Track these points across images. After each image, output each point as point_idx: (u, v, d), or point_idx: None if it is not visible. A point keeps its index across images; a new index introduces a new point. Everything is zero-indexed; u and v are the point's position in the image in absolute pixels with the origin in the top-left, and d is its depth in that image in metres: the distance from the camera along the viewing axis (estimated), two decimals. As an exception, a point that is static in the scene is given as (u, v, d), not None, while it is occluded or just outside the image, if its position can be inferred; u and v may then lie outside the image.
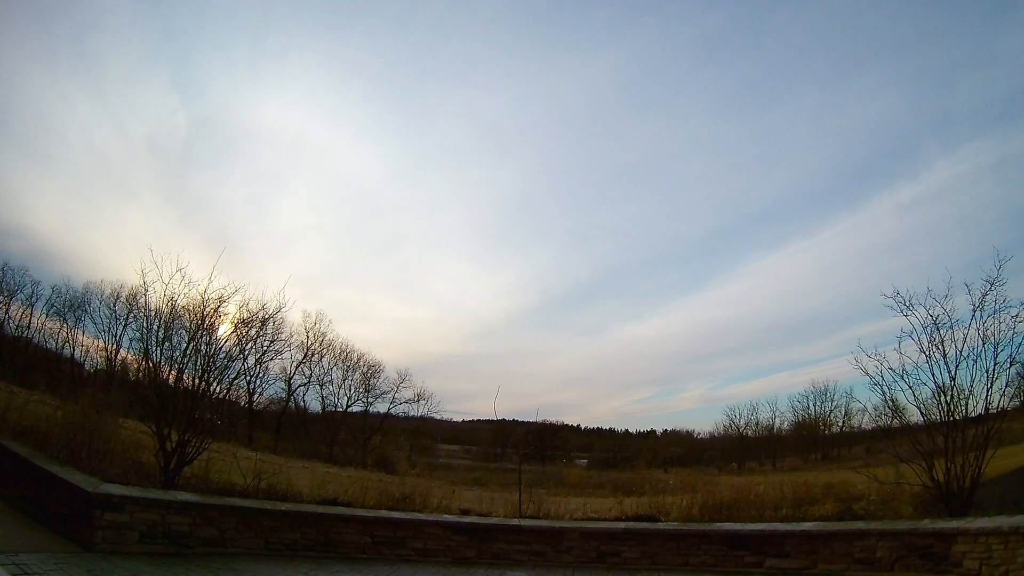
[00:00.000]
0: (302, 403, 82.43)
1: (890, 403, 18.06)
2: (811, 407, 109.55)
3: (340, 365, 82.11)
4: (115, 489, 14.07)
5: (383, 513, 17.47)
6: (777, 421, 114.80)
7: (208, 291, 18.75)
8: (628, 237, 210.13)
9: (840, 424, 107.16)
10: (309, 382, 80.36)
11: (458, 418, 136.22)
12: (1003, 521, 13.12)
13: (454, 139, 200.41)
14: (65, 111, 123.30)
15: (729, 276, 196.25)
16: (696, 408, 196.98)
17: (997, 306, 16.23)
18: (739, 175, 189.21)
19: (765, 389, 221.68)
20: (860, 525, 15.32)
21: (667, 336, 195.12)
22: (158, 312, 18.90)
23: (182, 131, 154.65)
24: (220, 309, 19.08)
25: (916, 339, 17.08)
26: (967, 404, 16.40)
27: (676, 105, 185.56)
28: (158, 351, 18.63)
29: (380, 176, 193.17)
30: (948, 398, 16.44)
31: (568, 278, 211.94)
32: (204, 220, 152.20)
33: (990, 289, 16.26)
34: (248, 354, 20.38)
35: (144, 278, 18.67)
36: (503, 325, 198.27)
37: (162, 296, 18.53)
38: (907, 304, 17.16)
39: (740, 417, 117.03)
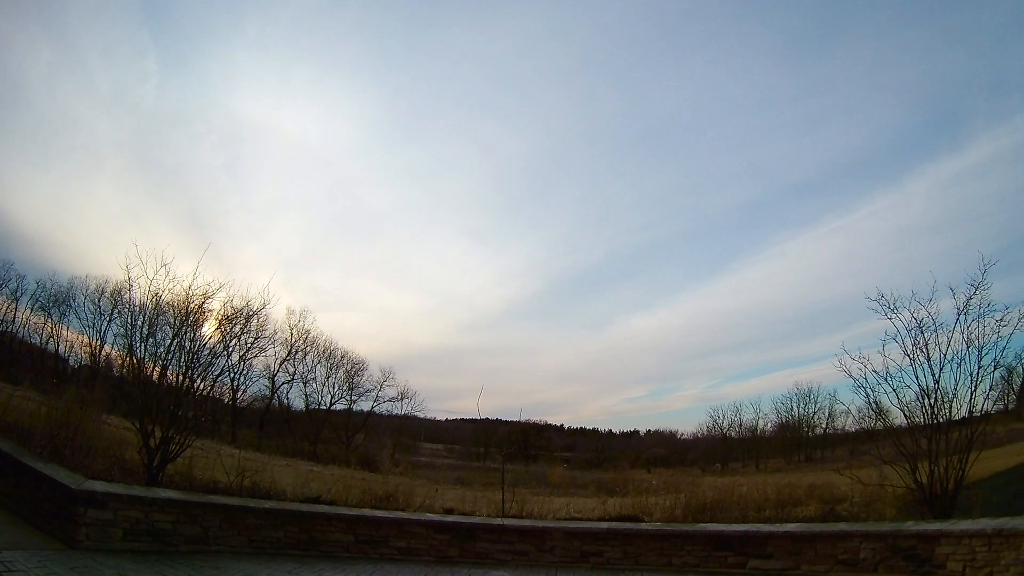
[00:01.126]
0: (286, 401, 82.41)
1: (874, 405, 18.12)
2: (794, 409, 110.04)
3: (324, 363, 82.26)
4: (99, 486, 14.01)
5: (366, 512, 17.47)
6: (760, 422, 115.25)
7: (193, 287, 18.71)
8: (649, 212, 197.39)
9: (823, 426, 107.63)
10: (293, 380, 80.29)
11: (442, 417, 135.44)
12: (987, 523, 13.21)
13: (455, 90, 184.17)
14: (30, 58, 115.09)
15: (750, 260, 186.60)
16: (690, 408, 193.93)
17: (982, 310, 16.27)
18: (782, 136, 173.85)
19: (765, 388, 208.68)
20: (843, 526, 15.41)
21: (672, 329, 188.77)
22: (142, 308, 18.82)
23: (153, 77, 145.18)
24: (204, 305, 19.07)
25: (900, 342, 17.14)
26: (951, 407, 16.45)
27: (720, 50, 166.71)
28: (142, 347, 18.56)
29: (371, 136, 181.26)
30: (932, 401, 16.50)
31: (578, 261, 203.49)
32: (177, 191, 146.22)
33: (975, 293, 16.31)
34: (232, 351, 20.26)
35: (128, 273, 18.64)
36: (499, 316, 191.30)
37: (147, 292, 18.50)
38: (891, 307, 17.22)
39: (724, 418, 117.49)
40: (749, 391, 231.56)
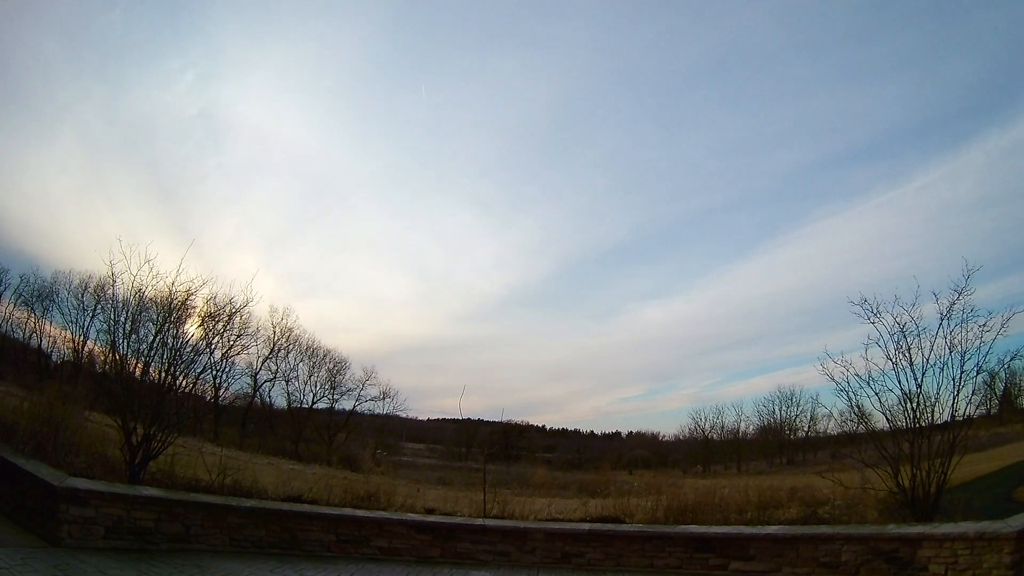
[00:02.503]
0: (268, 399, 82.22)
1: (856, 409, 18.28)
2: (776, 411, 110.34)
3: (306, 361, 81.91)
4: (81, 483, 14.00)
5: (348, 511, 17.51)
6: (742, 425, 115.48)
7: (176, 284, 18.70)
8: (686, 178, 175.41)
9: (806, 429, 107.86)
10: (275, 378, 79.81)
11: (424, 416, 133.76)
12: (969, 527, 13.36)
13: (458, 22, 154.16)
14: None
15: (785, 239, 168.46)
16: (683, 409, 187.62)
17: (965, 315, 16.36)
18: (866, 81, 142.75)
19: (764, 387, 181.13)
20: (825, 529, 15.58)
21: (685, 320, 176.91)
22: (125, 304, 18.85)
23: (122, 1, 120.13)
24: (188, 302, 19.17)
25: (883, 346, 17.25)
26: (933, 411, 16.63)
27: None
28: (125, 343, 18.56)
29: (359, 83, 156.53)
30: (914, 405, 16.69)
31: (597, 239, 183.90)
32: (148, 144, 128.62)
33: (958, 298, 16.41)
34: (214, 348, 20.23)
35: (112, 269, 18.63)
36: (498, 304, 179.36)
37: (130, 287, 18.54)
38: (874, 311, 17.32)
39: (705, 420, 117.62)
40: (747, 391, 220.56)
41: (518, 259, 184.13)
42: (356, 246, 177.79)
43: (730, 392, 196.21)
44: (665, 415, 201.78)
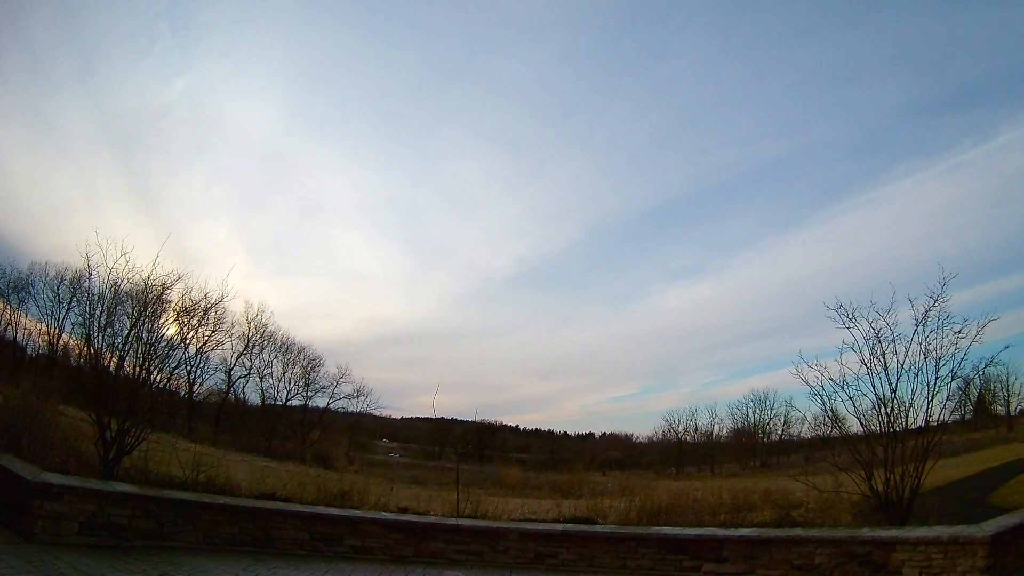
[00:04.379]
0: (242, 395, 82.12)
1: (830, 413, 18.41)
2: (750, 414, 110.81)
3: (280, 357, 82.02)
4: (54, 478, 13.96)
5: (321, 509, 17.47)
6: (716, 428, 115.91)
7: (152, 277, 18.66)
8: (764, 116, 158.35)
9: (779, 432, 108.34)
10: (249, 374, 79.97)
11: (397, 415, 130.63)
12: (943, 531, 13.52)
13: None
14: None
15: (848, 204, 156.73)
16: (676, 408, 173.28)
17: (940, 322, 16.46)
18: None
19: (764, 387, 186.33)
20: (799, 532, 15.61)
21: (708, 307, 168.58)
22: (101, 297, 18.76)
23: None
24: (163, 296, 19.06)
25: (858, 351, 17.40)
26: (907, 416, 16.80)
27: None
28: (100, 337, 18.47)
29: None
30: (888, 410, 16.88)
31: (638, 197, 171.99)
32: (113, 85, 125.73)
33: (933, 305, 16.52)
34: (189, 343, 20.14)
35: (88, 261, 18.57)
36: (504, 284, 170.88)
37: (106, 280, 18.46)
38: (850, 317, 17.43)
39: (679, 422, 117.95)
40: (747, 390, 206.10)
41: (538, 224, 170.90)
42: (335, 206, 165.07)
43: (730, 392, 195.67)
44: (654, 416, 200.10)
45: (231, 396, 79.18)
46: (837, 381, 17.68)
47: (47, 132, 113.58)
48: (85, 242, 18.42)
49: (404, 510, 19.65)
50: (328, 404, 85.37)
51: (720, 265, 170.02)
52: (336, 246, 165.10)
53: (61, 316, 63.58)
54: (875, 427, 17.10)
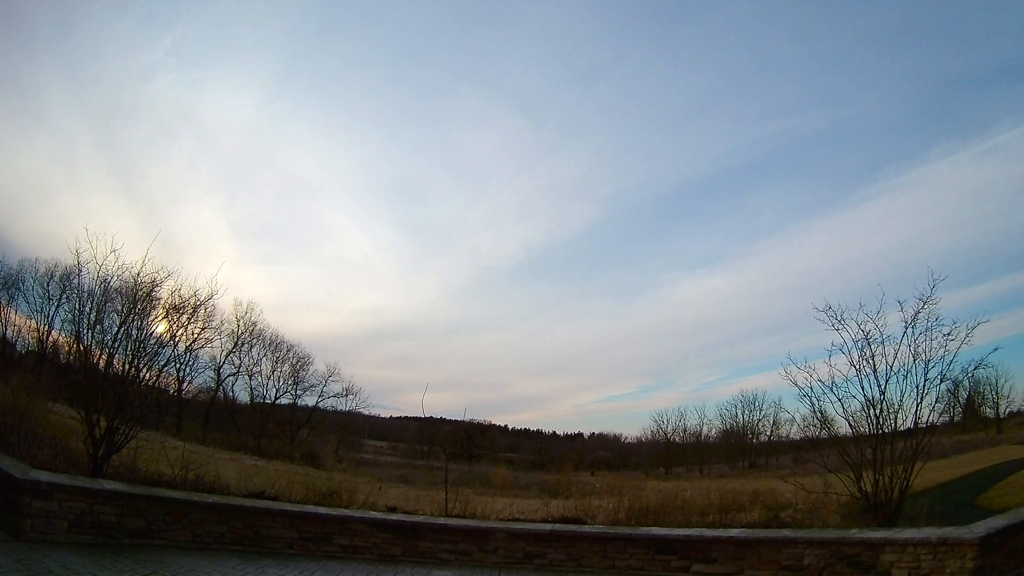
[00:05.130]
0: (231, 393, 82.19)
1: (819, 414, 18.48)
2: (739, 415, 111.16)
3: (270, 355, 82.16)
4: (43, 476, 13.91)
5: (310, 508, 17.43)
6: (705, 428, 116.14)
7: (141, 274, 18.68)
8: (805, 83, 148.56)
9: (768, 433, 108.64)
10: (238, 372, 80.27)
11: (386, 414, 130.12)
12: (932, 532, 13.57)
13: None
14: None
15: (863, 194, 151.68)
16: (672, 407, 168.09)
17: (929, 324, 16.54)
18: None
19: (764, 386, 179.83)
20: (787, 533, 15.67)
21: (720, 300, 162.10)
22: (91, 294, 18.75)
23: None
24: (153, 293, 19.05)
25: (847, 353, 17.50)
26: (896, 418, 16.87)
27: None
28: (89, 334, 18.48)
29: None
30: (877, 411, 16.97)
31: (665, 173, 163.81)
32: (94, 44, 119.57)
33: (923, 307, 16.60)
34: (179, 340, 20.12)
35: (78, 258, 18.63)
36: (510, 274, 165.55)
37: (95, 277, 18.45)
38: (839, 319, 17.48)
39: (668, 423, 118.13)
40: (748, 389, 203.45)
41: (553, 203, 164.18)
42: (329, 183, 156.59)
43: (730, 391, 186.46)
44: (650, 416, 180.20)
45: (220, 394, 79.37)
46: (826, 383, 17.78)
47: (22, 99, 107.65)
48: (75, 239, 18.46)
49: (393, 509, 19.66)
50: (317, 403, 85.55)
51: (741, 253, 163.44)
52: (329, 230, 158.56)
53: (51, 313, 63.52)
54: (864, 429, 17.18)
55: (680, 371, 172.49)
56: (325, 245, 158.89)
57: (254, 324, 78.82)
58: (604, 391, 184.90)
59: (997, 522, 13.84)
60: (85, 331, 18.51)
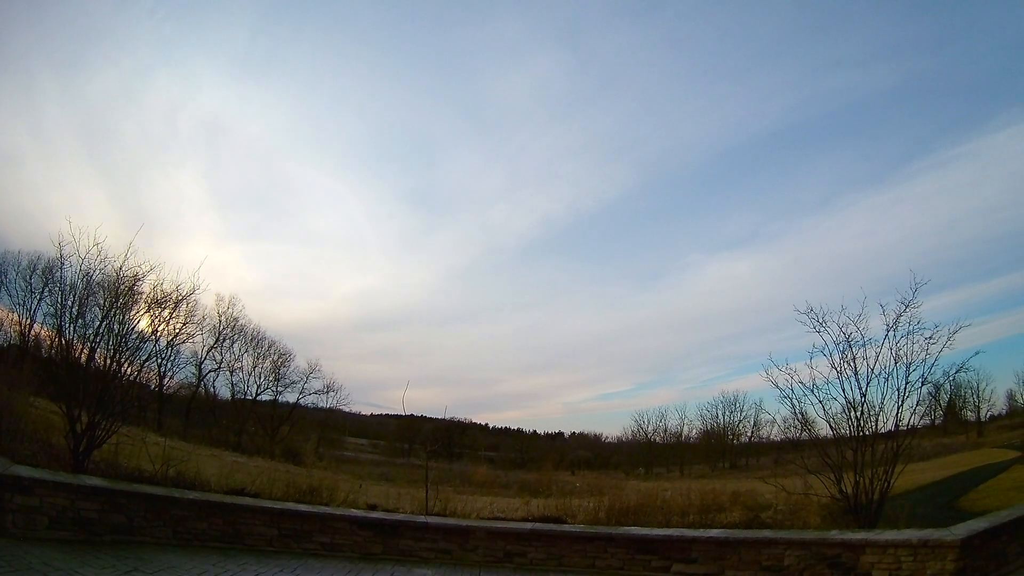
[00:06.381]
0: (212, 389, 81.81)
1: (799, 416, 18.66)
2: (720, 416, 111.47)
3: (251, 351, 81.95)
4: (25, 471, 13.87)
5: (290, 505, 17.45)
6: (685, 429, 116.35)
7: (124, 268, 18.64)
8: (857, 49, 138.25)
9: (749, 434, 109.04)
10: (219, 368, 79.93)
11: (367, 411, 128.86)
12: (912, 534, 13.69)
13: None
14: None
15: (918, 165, 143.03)
16: (667, 405, 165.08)
17: (911, 327, 16.69)
18: None
19: (760, 386, 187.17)
20: (768, 533, 15.78)
21: (743, 285, 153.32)
22: (73, 287, 18.73)
23: None
24: (135, 287, 19.04)
25: (828, 355, 17.78)
26: (877, 420, 17.13)
27: None
28: (71, 328, 18.45)
29: None
30: (858, 414, 17.22)
31: (712, 133, 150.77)
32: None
33: (904, 310, 16.81)
34: (160, 336, 20.09)
35: (60, 251, 18.64)
36: (523, 251, 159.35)
37: (78, 270, 18.46)
38: (820, 321, 17.64)
39: (648, 423, 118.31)
40: (749, 387, 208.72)
41: (584, 166, 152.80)
42: (323, 136, 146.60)
43: (730, 388, 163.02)
44: (638, 415, 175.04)
45: (201, 390, 79.04)
46: (807, 384, 17.93)
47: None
48: (58, 232, 18.44)
49: (373, 507, 19.70)
50: (298, 399, 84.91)
51: (776, 232, 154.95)
52: (320, 198, 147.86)
53: (33, 306, 63.24)
54: (845, 430, 17.44)
55: (681, 367, 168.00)
56: (315, 218, 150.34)
57: (235, 319, 78.81)
58: (598, 388, 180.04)
59: (978, 524, 14.01)
60: (67, 325, 18.47)
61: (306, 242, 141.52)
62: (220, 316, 76.61)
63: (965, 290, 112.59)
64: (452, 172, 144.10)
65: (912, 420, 17.28)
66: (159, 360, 33.23)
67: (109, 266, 18.42)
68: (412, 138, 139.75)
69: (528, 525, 17.40)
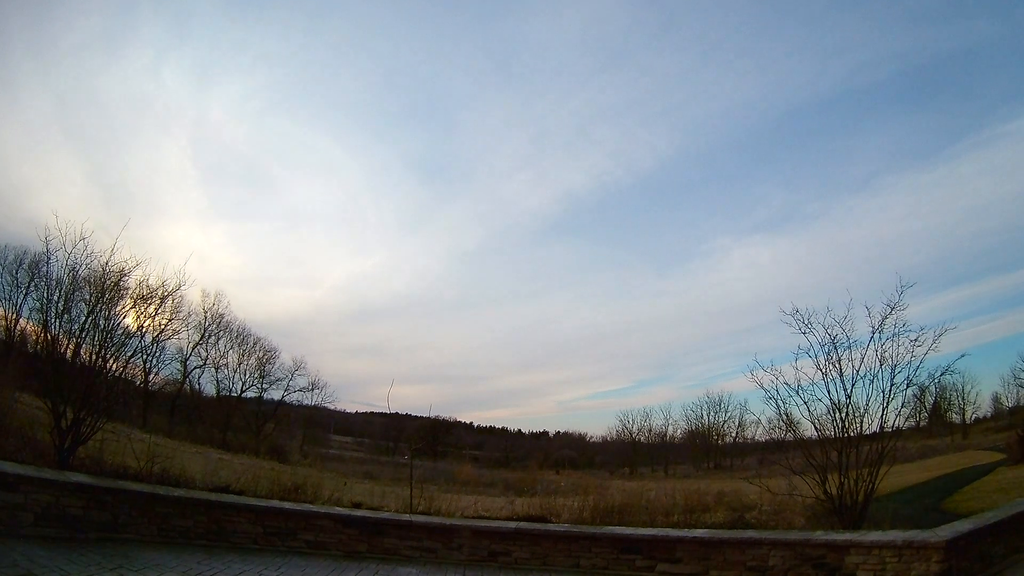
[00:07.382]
0: (197, 386, 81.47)
1: (784, 417, 18.71)
2: (705, 416, 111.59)
3: (236, 348, 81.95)
4: (9, 467, 13.83)
5: (275, 503, 17.50)
6: (670, 429, 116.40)
7: (110, 263, 18.65)
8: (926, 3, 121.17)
9: (733, 435, 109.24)
10: (205, 364, 79.73)
11: (352, 409, 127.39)
12: (897, 535, 13.80)
13: None
14: None
15: (979, 138, 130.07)
16: (664, 404, 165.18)
17: (896, 329, 16.75)
18: None
19: (739, 386, 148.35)
20: (752, 534, 15.86)
21: (766, 274, 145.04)
22: (59, 282, 18.76)
23: None
24: (121, 283, 19.02)
25: (813, 357, 17.89)
26: (862, 421, 17.20)
27: None
28: (57, 323, 18.46)
29: None
30: (843, 415, 17.32)
31: (759, 95, 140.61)
32: None
33: (890, 313, 16.89)
34: (146, 331, 20.03)
35: (47, 245, 18.55)
36: (540, 232, 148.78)
37: (64, 265, 18.43)
38: (806, 323, 17.69)
39: (633, 423, 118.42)
40: (748, 386, 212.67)
41: (622, 130, 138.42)
42: (320, 89, 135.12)
43: (730, 386, 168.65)
44: (623, 415, 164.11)
45: (187, 387, 78.76)
46: (792, 386, 17.97)
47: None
48: (44, 226, 18.37)
49: (358, 505, 19.74)
50: (283, 397, 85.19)
51: (816, 212, 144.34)
52: (316, 165, 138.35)
53: (19, 301, 62.97)
54: (830, 431, 17.52)
55: (684, 364, 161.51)
56: (308, 191, 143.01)
57: (221, 316, 78.58)
58: (595, 386, 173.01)
59: (963, 526, 14.16)
60: (53, 320, 18.44)
61: (296, 221, 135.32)
62: (205, 312, 76.42)
63: (956, 292, 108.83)
64: (467, 135, 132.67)
65: (897, 422, 17.34)
66: (144, 356, 33.00)
67: (95, 261, 18.45)
68: (424, 93, 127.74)
69: (512, 524, 17.45)
